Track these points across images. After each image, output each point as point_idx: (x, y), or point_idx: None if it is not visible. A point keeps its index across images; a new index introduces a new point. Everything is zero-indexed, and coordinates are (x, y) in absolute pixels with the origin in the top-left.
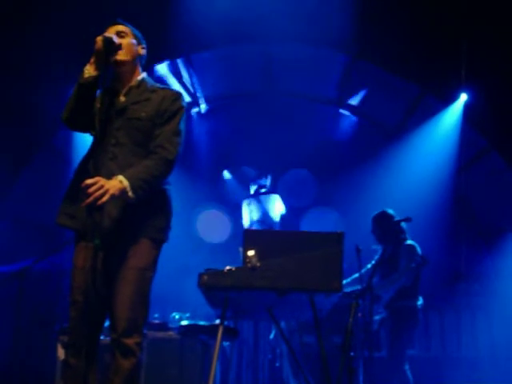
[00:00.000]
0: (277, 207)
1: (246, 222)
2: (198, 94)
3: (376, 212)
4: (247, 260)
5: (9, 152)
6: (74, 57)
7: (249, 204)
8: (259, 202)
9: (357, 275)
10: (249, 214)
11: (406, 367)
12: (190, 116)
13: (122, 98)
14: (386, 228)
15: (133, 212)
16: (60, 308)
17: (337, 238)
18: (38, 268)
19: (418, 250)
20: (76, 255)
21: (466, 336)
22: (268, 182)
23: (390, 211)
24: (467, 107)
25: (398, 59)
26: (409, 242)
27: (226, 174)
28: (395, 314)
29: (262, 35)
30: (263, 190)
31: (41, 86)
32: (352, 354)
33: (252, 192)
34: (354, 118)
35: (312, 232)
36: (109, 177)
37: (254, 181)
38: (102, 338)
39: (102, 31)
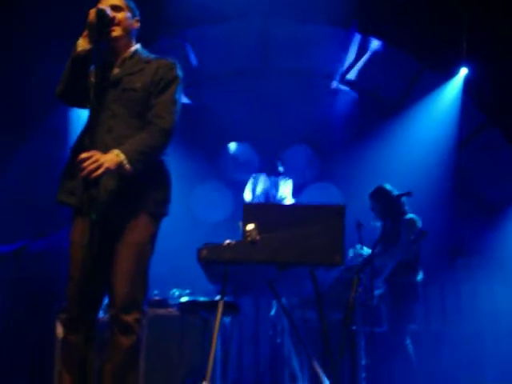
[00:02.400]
0: (286, 192)
1: (247, 196)
2: (197, 71)
3: (372, 189)
4: (247, 234)
5: (4, 132)
6: (68, 35)
7: (257, 180)
8: (271, 181)
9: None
10: (255, 189)
11: (408, 342)
12: (188, 93)
13: (116, 70)
14: (385, 203)
15: (130, 185)
16: (58, 287)
17: (338, 211)
18: (35, 247)
19: (419, 223)
20: (73, 230)
21: (467, 310)
22: (282, 168)
23: (388, 186)
24: (467, 81)
25: (398, 34)
26: (409, 215)
27: (232, 146)
28: (394, 288)
29: (259, 11)
30: (277, 171)
31: (34, 65)
32: (354, 328)
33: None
34: (353, 94)
35: (312, 205)
36: (105, 150)
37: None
38: (101, 315)
39: (95, 4)
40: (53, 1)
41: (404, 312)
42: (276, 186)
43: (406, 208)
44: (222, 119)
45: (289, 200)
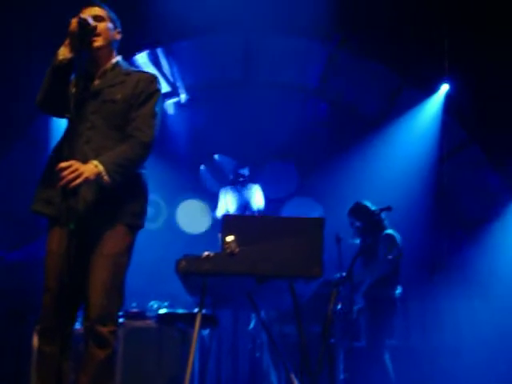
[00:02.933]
0: (256, 198)
1: (221, 211)
2: (178, 84)
3: (351, 205)
4: (226, 245)
5: None
6: (50, 44)
7: (226, 192)
8: (237, 191)
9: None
10: (225, 203)
11: (386, 356)
12: (169, 106)
13: (97, 81)
14: (364, 219)
15: (108, 197)
16: (35, 298)
17: (317, 224)
18: (11, 258)
19: (398, 239)
20: (50, 240)
21: (447, 326)
22: (247, 172)
23: (366, 202)
24: (448, 98)
25: (379, 49)
26: (388, 231)
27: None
28: (372, 302)
29: (241, 25)
30: (241, 179)
31: (16, 75)
32: (332, 341)
33: (230, 180)
34: (333, 108)
35: (292, 218)
36: (84, 161)
37: (232, 170)
38: (77, 326)
39: (76, 13)
40: (36, 10)
41: (382, 326)
42: (246, 195)
43: (386, 223)
44: (203, 132)
45: (260, 206)
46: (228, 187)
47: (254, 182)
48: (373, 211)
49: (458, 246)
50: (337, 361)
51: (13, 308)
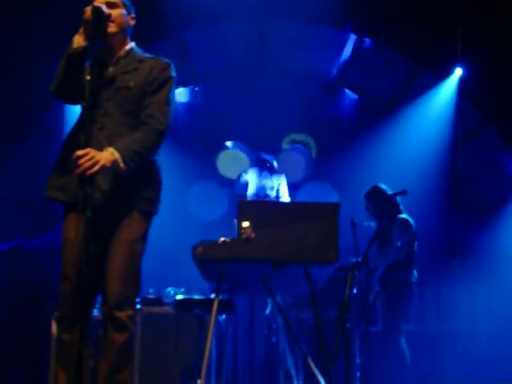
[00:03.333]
0: (282, 191)
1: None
2: (193, 71)
3: (368, 188)
4: (242, 231)
5: (0, 131)
6: (64, 33)
7: (252, 174)
8: (262, 176)
9: None
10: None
11: (402, 341)
12: (183, 93)
13: (111, 69)
14: (380, 203)
15: (122, 184)
16: (53, 285)
17: (333, 209)
18: (30, 245)
19: (412, 223)
20: (67, 228)
21: (463, 310)
22: (272, 158)
23: (383, 186)
24: (462, 82)
25: (393, 34)
26: (403, 215)
27: (228, 145)
28: (388, 287)
29: (255, 11)
30: (268, 165)
31: (30, 64)
32: (348, 325)
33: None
34: (348, 94)
35: (307, 203)
36: (98, 147)
37: (260, 154)
38: (95, 313)
39: (90, 1)
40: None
41: (398, 311)
42: (269, 183)
43: (401, 207)
44: (219, 118)
45: (286, 198)
46: (255, 169)
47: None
48: (388, 195)
49: (472, 230)
50: (353, 345)
51: (32, 295)
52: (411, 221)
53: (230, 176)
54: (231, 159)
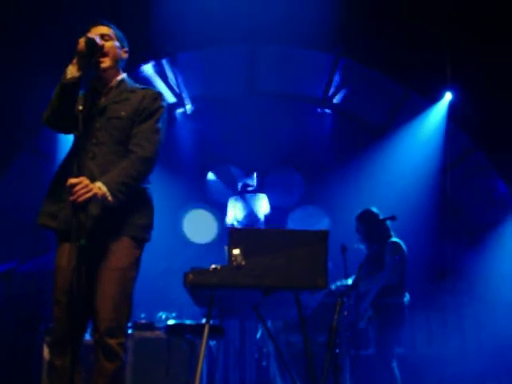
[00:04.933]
0: (262, 207)
1: (230, 219)
2: (184, 95)
3: (360, 211)
4: (232, 258)
5: None
6: (57, 57)
7: (235, 201)
8: (245, 200)
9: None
10: (234, 212)
11: (394, 364)
12: (175, 117)
13: (103, 99)
14: (370, 226)
15: (114, 212)
16: (46, 309)
17: (321, 236)
18: (23, 269)
19: (403, 247)
20: (59, 255)
21: (452, 334)
22: (254, 181)
23: (374, 209)
24: (452, 106)
25: (383, 58)
26: (393, 239)
27: (211, 175)
28: (381, 311)
29: (246, 35)
30: (250, 189)
31: (23, 87)
32: (337, 351)
33: (238, 190)
34: (338, 118)
35: (297, 230)
36: (90, 177)
37: (240, 179)
38: (87, 338)
39: (84, 32)
40: (43, 25)
41: (390, 334)
42: (254, 204)
43: (391, 232)
44: (208, 142)
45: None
46: (237, 196)
47: (261, 191)
48: (379, 219)
49: (462, 254)
50: (343, 370)
51: (24, 319)
52: (403, 244)
53: (196, 239)
54: (198, 221)
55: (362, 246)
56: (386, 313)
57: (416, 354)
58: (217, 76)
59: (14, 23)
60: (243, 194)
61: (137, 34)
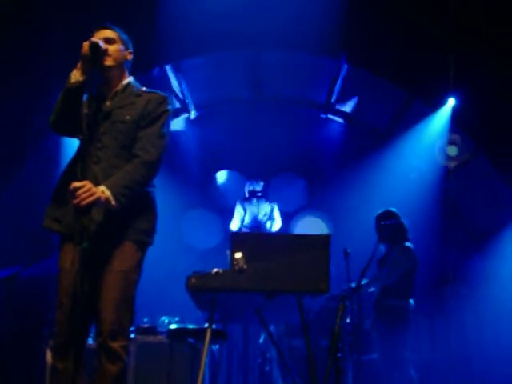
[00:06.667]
0: (275, 219)
1: (235, 223)
2: (188, 101)
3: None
4: (235, 262)
5: None
6: (62, 60)
7: (241, 206)
8: (252, 204)
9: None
10: (240, 216)
11: (411, 371)
12: (179, 122)
13: (108, 103)
14: (393, 226)
15: (117, 215)
16: (49, 313)
17: (324, 241)
18: (26, 273)
19: (413, 253)
20: (62, 258)
21: (456, 339)
22: (261, 186)
23: (395, 210)
24: (455, 112)
25: (386, 64)
26: (408, 244)
27: (219, 176)
28: (385, 313)
29: (250, 42)
30: (258, 195)
31: (29, 90)
32: (339, 355)
33: (246, 195)
34: (343, 123)
35: (299, 235)
36: (94, 181)
37: (247, 185)
38: (89, 342)
39: (89, 36)
40: (49, 29)
41: (395, 338)
42: (260, 209)
43: (408, 235)
44: (212, 148)
45: (278, 223)
46: (244, 201)
47: (266, 196)
48: (401, 220)
49: (466, 258)
50: (345, 374)
51: (27, 323)
52: (413, 250)
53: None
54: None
55: (382, 247)
56: (390, 316)
57: (420, 359)
58: (221, 82)
59: (22, 27)
60: (250, 200)
61: (141, 40)
